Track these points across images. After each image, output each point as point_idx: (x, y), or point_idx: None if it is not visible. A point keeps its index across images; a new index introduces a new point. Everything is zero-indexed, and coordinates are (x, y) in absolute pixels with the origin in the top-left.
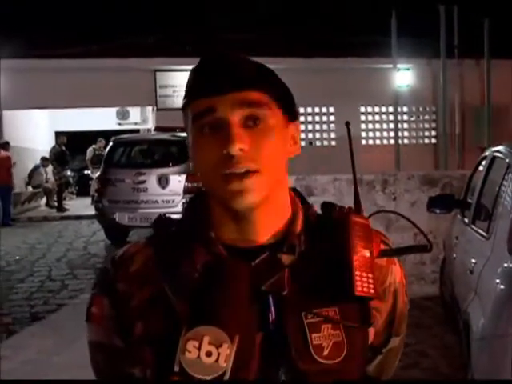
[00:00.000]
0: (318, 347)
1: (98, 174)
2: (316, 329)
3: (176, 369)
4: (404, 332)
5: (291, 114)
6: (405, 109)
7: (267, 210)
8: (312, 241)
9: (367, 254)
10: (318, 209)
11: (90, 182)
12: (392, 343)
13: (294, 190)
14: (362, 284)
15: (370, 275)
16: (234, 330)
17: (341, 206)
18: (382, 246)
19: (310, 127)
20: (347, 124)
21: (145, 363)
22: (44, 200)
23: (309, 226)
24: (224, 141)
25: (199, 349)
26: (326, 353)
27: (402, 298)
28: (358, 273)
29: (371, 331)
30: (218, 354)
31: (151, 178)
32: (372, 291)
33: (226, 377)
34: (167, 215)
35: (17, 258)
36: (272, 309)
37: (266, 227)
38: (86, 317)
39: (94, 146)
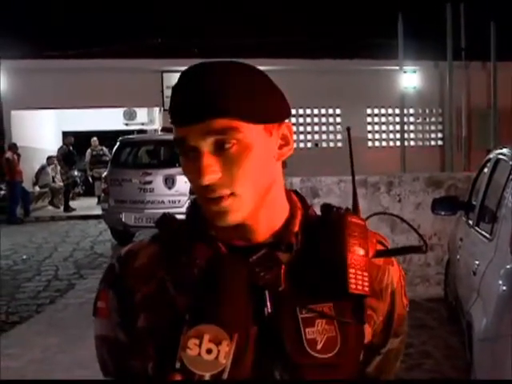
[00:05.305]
0: (312, 341)
1: (105, 173)
2: (310, 323)
3: (177, 365)
4: (404, 334)
5: (276, 120)
6: (411, 111)
7: (261, 215)
8: (309, 240)
9: (362, 252)
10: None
11: (96, 183)
12: (390, 344)
13: (295, 191)
14: (357, 282)
15: (365, 273)
16: (233, 328)
17: (338, 207)
18: (379, 247)
19: (316, 128)
20: (348, 129)
21: (147, 356)
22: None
23: (307, 225)
24: (198, 171)
25: (200, 346)
26: (319, 347)
27: (399, 298)
28: (352, 270)
29: (367, 330)
30: (218, 351)
31: (157, 179)
32: (366, 289)
33: (226, 373)
34: (171, 214)
35: (24, 257)
36: (268, 304)
37: (263, 228)
38: (92, 312)
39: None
